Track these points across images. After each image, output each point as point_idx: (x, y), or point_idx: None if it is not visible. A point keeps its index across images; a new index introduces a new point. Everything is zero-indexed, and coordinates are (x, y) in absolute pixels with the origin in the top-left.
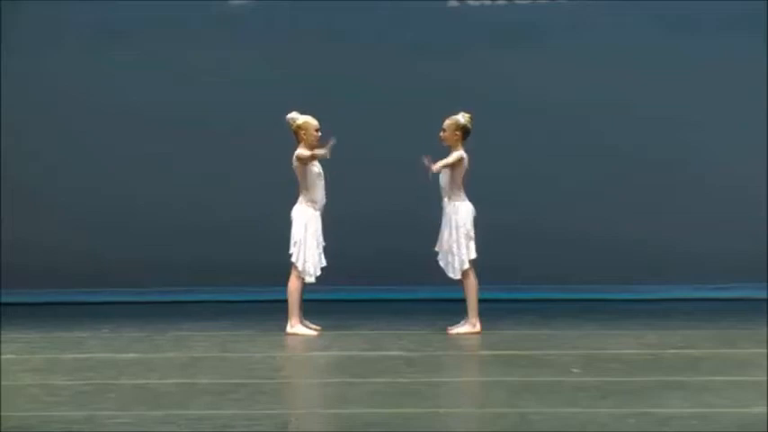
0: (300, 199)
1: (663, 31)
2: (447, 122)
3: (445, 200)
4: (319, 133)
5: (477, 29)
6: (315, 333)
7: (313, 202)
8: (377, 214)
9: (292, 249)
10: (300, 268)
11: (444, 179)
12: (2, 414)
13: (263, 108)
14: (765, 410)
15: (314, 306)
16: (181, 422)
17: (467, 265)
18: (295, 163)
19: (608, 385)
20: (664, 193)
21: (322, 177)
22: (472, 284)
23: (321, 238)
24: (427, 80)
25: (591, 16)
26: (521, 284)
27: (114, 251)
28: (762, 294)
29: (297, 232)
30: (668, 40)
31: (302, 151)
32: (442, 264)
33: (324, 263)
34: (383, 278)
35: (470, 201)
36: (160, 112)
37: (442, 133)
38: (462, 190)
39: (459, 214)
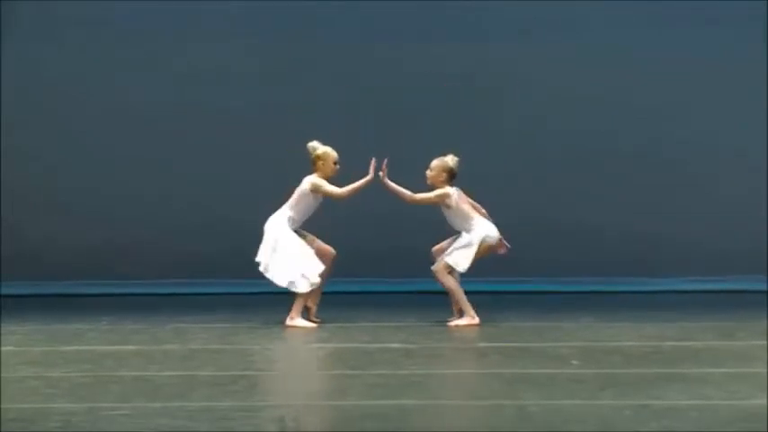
0: (282, 211)
1: (665, 31)
2: (435, 163)
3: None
4: (337, 166)
5: (479, 27)
6: (314, 326)
7: (292, 220)
8: (376, 208)
9: (259, 258)
10: (270, 277)
11: (453, 220)
12: (1, 406)
13: (263, 107)
14: (764, 402)
15: None
16: (180, 414)
17: (449, 261)
18: (305, 186)
19: (607, 377)
20: (664, 187)
21: (315, 209)
22: (453, 285)
23: (294, 250)
24: (430, 79)
25: (593, 16)
26: (520, 276)
27: (113, 244)
28: (761, 287)
29: (266, 243)
30: (670, 40)
31: (321, 182)
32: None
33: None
34: (382, 270)
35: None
36: (159, 111)
37: (428, 172)
38: (474, 218)
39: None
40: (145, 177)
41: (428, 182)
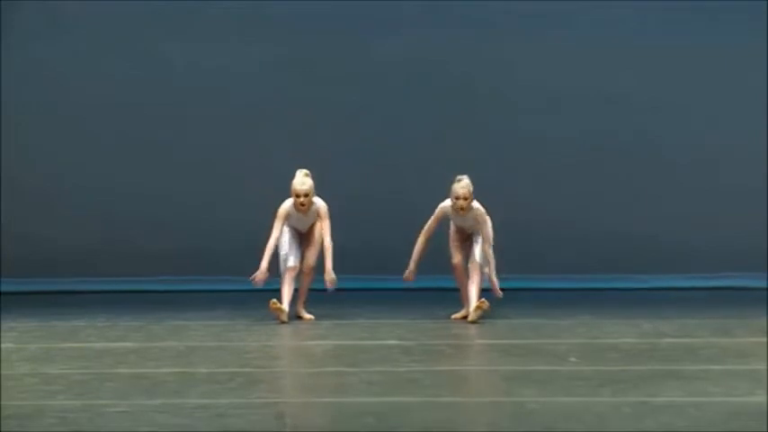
0: None
1: (667, 29)
2: (466, 191)
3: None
4: (300, 198)
5: (479, 24)
6: (286, 310)
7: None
8: (374, 204)
9: None
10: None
11: (470, 225)
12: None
13: (263, 107)
14: (762, 399)
15: (311, 295)
16: (178, 411)
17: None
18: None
19: (605, 374)
20: (663, 185)
21: (296, 238)
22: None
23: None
24: (429, 77)
25: (593, 15)
26: (518, 274)
27: (112, 241)
28: (760, 284)
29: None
30: (671, 39)
31: (279, 212)
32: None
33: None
34: (379, 267)
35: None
36: (160, 110)
37: (463, 203)
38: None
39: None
40: (144, 176)
41: (460, 209)
